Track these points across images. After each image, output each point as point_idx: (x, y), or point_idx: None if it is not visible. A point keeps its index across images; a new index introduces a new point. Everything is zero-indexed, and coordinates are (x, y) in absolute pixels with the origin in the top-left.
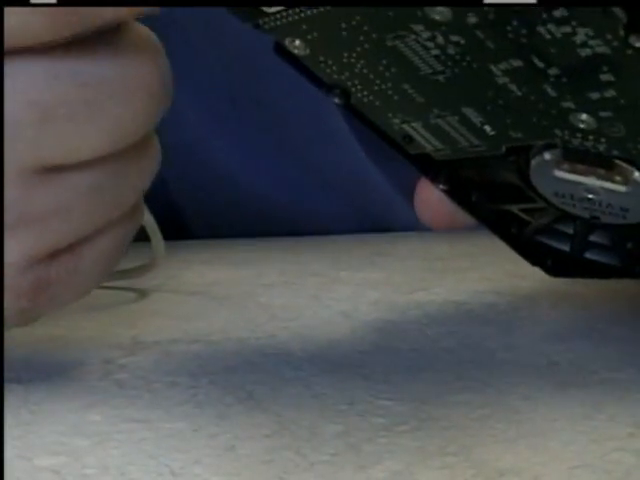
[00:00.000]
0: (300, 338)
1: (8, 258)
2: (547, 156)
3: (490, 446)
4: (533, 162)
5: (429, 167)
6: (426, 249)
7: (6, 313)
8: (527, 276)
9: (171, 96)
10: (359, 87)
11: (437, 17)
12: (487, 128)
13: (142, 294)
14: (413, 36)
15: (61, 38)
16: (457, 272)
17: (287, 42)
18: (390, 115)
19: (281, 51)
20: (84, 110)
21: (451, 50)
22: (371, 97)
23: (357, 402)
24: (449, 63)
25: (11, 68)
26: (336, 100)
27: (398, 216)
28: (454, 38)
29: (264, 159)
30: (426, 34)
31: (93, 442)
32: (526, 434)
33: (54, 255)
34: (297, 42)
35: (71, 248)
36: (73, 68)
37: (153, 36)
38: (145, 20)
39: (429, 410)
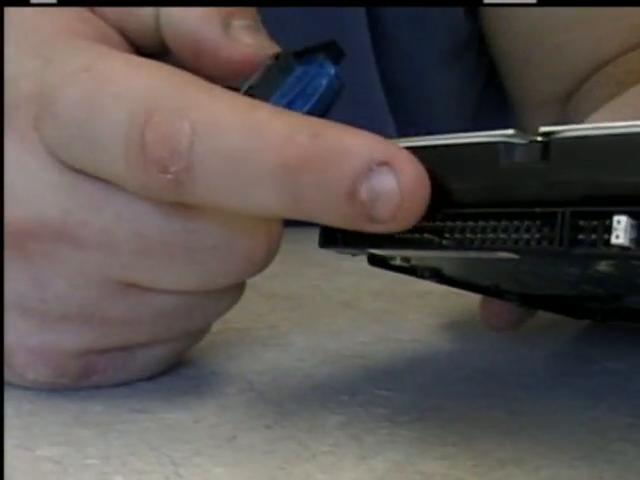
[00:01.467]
0: (301, 328)
1: (63, 343)
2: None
3: (491, 437)
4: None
5: (504, 294)
6: None
7: (44, 380)
8: None
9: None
10: (453, 271)
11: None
12: (599, 292)
13: None
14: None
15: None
16: None
17: (389, 259)
18: (481, 282)
19: (375, 261)
20: (184, 255)
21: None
22: (465, 274)
23: (358, 393)
24: (588, 277)
25: (126, 195)
26: (430, 280)
27: None
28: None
29: None
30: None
31: (95, 432)
32: (527, 425)
33: (109, 349)
34: (398, 259)
35: (128, 347)
36: (187, 215)
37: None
38: None
39: (430, 401)
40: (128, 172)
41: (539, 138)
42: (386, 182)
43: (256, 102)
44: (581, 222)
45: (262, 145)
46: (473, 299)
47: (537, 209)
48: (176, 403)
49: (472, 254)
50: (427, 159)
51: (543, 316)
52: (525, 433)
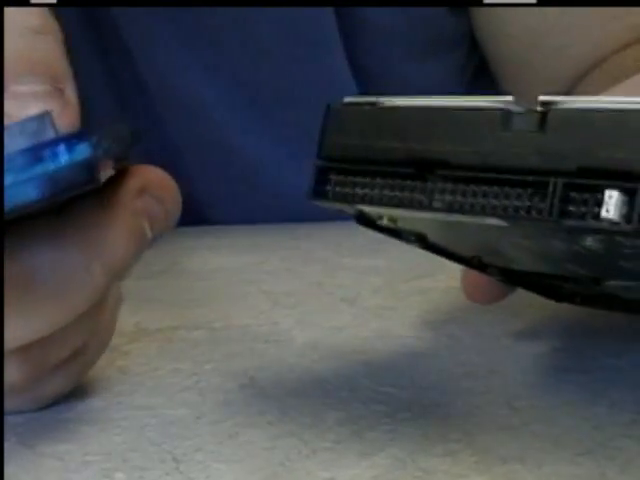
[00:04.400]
0: (302, 325)
1: None
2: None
3: (493, 433)
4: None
5: (486, 267)
6: None
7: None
8: None
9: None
10: (438, 237)
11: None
12: (582, 272)
13: (146, 280)
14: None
15: None
16: None
17: (375, 218)
18: (464, 253)
19: (363, 220)
20: None
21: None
22: (449, 242)
23: (359, 389)
24: (574, 252)
25: None
26: (414, 245)
27: None
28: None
29: (288, 149)
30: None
31: (96, 429)
32: (528, 421)
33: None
34: (385, 219)
35: None
36: None
37: None
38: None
39: (431, 397)
40: None
41: (538, 108)
42: None
43: None
44: (572, 194)
45: None
46: None
47: (530, 177)
48: (177, 399)
49: (461, 218)
50: (424, 118)
51: (544, 313)
52: (527, 429)
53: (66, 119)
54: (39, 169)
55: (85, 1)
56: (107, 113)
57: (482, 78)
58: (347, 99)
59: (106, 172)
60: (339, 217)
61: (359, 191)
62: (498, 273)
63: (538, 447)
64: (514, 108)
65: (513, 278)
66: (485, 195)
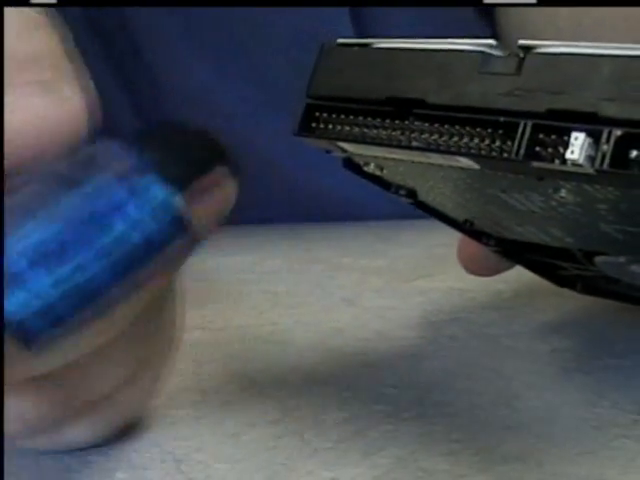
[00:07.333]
0: (303, 325)
1: None
2: (622, 259)
3: (494, 433)
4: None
5: (481, 235)
6: (429, 236)
7: None
8: None
9: None
10: (427, 194)
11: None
12: (569, 240)
13: None
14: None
15: None
16: None
17: (362, 164)
18: (455, 215)
19: (350, 165)
20: None
21: (561, 206)
22: (439, 200)
23: (361, 389)
24: (554, 211)
25: None
26: (403, 199)
27: None
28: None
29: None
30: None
31: None
32: (530, 421)
33: None
34: (372, 166)
35: None
36: None
37: None
38: None
39: (432, 397)
40: None
41: (517, 52)
42: None
43: None
44: (541, 136)
45: None
46: (476, 295)
47: (501, 118)
48: (177, 400)
49: (435, 157)
50: (407, 59)
51: (545, 314)
52: (528, 429)
53: (65, 115)
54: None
55: (86, 1)
56: (117, 110)
57: None
58: (341, 40)
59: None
60: (340, 217)
61: (342, 129)
62: (495, 243)
63: (538, 447)
64: (494, 52)
65: (510, 252)
66: (460, 135)
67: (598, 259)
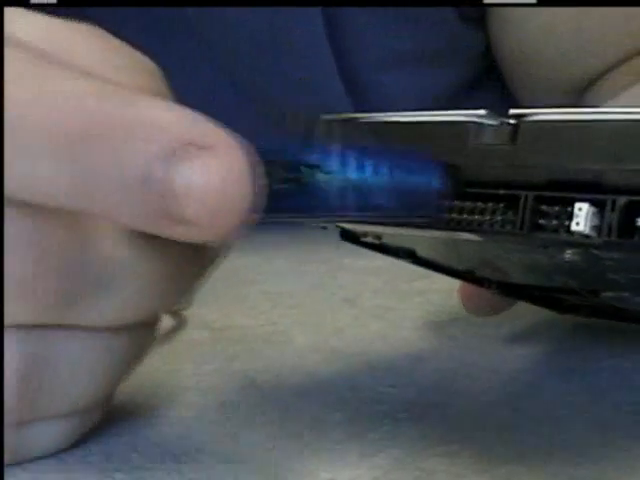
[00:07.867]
0: (302, 325)
1: None
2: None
3: (493, 434)
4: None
5: (482, 281)
6: None
7: None
8: None
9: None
10: (426, 252)
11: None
12: (573, 283)
13: None
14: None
15: None
16: None
17: (360, 235)
18: (456, 266)
19: (347, 236)
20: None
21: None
22: (438, 257)
23: (360, 390)
24: (558, 265)
25: None
26: (403, 260)
27: None
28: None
29: None
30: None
31: (97, 429)
32: (529, 422)
33: None
34: (369, 237)
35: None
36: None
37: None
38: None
39: (432, 397)
40: None
41: (510, 120)
42: (191, 171)
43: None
44: (543, 207)
45: (44, 110)
46: None
47: (501, 191)
48: (177, 400)
49: (437, 234)
50: (396, 135)
51: (545, 314)
52: (527, 430)
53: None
54: None
55: (85, 1)
56: None
57: (485, 88)
58: (325, 117)
59: None
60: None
61: None
62: (495, 287)
63: (539, 448)
64: (486, 121)
65: (512, 291)
66: (460, 211)
67: (605, 294)
